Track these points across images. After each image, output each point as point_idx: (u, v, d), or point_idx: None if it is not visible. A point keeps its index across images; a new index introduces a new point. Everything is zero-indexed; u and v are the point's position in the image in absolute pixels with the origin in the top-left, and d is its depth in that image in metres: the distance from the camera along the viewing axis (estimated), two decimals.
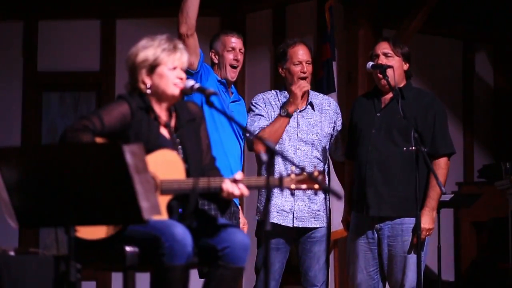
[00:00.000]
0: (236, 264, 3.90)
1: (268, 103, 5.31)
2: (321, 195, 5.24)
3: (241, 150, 5.25)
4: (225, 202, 4.01)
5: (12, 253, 3.82)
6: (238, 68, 5.19)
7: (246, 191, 3.87)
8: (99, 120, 3.87)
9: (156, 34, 4.08)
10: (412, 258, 5.00)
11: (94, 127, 3.85)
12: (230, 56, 5.10)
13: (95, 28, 8.28)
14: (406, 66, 5.19)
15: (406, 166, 5.01)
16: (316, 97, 5.42)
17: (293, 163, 3.75)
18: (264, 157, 3.41)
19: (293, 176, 3.84)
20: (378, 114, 5.15)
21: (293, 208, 5.21)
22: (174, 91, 3.97)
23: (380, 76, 5.08)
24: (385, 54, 5.14)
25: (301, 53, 5.27)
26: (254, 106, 5.32)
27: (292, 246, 5.34)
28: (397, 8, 7.45)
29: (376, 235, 5.13)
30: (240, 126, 3.92)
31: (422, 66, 7.85)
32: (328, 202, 5.37)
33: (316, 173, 3.78)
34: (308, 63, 5.28)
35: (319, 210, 5.27)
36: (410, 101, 5.10)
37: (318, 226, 5.27)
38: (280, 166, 5.18)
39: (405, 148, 4.92)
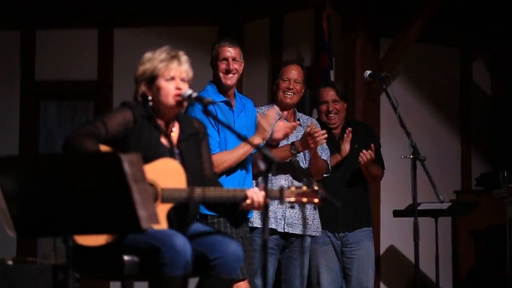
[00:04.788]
0: (228, 275, 3.87)
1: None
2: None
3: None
4: (242, 214, 3.99)
5: (10, 263, 3.82)
6: (236, 75, 5.11)
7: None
8: (103, 126, 3.87)
9: (153, 43, 4.07)
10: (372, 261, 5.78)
11: (98, 133, 3.85)
12: (222, 66, 5.07)
13: (92, 37, 8.29)
14: (345, 105, 5.83)
15: (351, 186, 5.72)
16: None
17: (302, 173, 3.76)
18: (262, 166, 3.40)
19: (293, 188, 3.82)
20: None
21: (285, 214, 5.27)
22: (171, 102, 3.96)
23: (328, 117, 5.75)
24: (334, 101, 5.72)
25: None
26: None
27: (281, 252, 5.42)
28: (394, 16, 7.46)
29: (339, 242, 5.72)
30: (239, 137, 3.90)
31: (419, 75, 7.86)
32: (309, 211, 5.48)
33: (316, 187, 3.77)
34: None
35: (308, 219, 5.39)
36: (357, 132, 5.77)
37: (306, 233, 5.39)
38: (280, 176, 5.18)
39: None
